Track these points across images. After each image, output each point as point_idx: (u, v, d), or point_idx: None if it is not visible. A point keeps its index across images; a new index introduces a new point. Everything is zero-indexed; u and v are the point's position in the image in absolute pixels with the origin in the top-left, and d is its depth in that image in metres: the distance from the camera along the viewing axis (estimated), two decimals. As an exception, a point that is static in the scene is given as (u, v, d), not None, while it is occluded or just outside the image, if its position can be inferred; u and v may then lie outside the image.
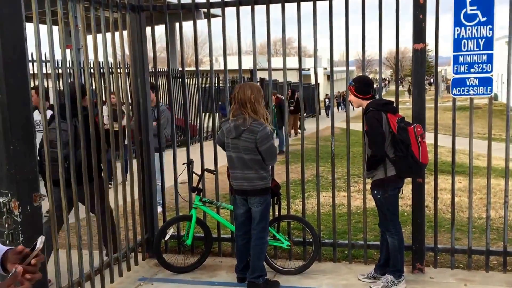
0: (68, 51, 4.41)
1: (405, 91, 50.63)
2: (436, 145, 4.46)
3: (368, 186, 4.75)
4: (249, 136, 3.94)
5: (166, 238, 4.76)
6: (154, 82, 5.47)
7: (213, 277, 4.55)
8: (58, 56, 4.68)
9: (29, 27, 3.45)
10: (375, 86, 4.31)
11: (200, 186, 4.79)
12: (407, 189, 4.46)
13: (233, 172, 4.13)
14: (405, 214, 6.22)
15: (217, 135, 4.33)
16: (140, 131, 4.90)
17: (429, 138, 4.18)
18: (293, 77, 31.11)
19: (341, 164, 10.29)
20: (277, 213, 4.66)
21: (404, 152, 3.89)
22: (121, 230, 4.47)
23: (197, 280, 4.49)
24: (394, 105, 4.14)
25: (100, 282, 4.13)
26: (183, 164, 5.01)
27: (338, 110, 26.16)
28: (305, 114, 22.38)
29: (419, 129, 3.94)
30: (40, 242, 1.35)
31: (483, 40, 4.10)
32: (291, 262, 4.79)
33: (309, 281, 4.37)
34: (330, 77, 4.89)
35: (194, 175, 4.92)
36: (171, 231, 4.80)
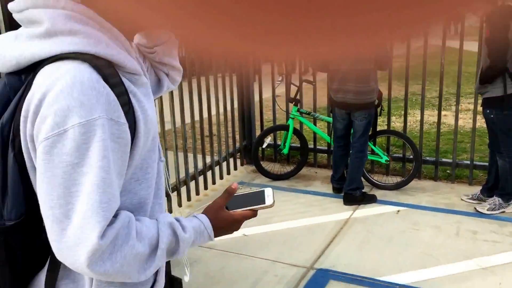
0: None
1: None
2: None
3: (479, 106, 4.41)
4: None
5: (264, 146, 4.84)
6: None
7: (308, 186, 4.60)
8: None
9: None
10: None
11: (297, 97, 4.73)
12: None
13: (339, 86, 3.99)
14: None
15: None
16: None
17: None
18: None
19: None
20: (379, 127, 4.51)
21: None
22: (221, 136, 4.60)
23: (292, 187, 4.58)
24: None
25: (203, 183, 4.35)
26: (281, 74, 4.94)
27: None
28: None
29: None
30: (268, 196, 1.14)
31: None
32: (388, 177, 4.70)
33: (407, 197, 4.28)
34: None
35: (292, 86, 4.85)
36: (268, 140, 4.87)
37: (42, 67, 0.91)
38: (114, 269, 0.90)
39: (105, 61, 0.91)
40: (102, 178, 0.87)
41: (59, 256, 0.90)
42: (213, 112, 4.54)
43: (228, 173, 4.76)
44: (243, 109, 5.03)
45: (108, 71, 0.91)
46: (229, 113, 4.72)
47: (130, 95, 0.94)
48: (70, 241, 0.87)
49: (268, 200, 1.13)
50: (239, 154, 5.04)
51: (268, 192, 1.15)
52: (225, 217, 1.10)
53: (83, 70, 0.88)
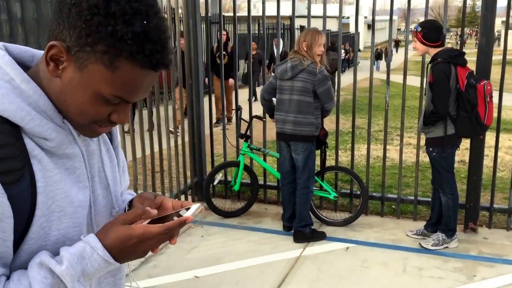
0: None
1: (448, 43, 48.26)
2: (500, 102, 4.23)
3: (422, 141, 4.60)
4: (307, 76, 3.88)
5: (215, 183, 4.80)
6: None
7: (259, 223, 4.59)
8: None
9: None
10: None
11: (248, 133, 4.75)
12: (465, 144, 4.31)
13: (280, 115, 4.05)
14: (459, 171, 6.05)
15: (266, 85, 4.23)
16: (191, 75, 4.83)
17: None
18: (333, 25, 30.14)
19: (382, 116, 10.04)
20: (327, 163, 4.59)
21: (469, 113, 3.66)
22: (172, 173, 4.52)
23: (243, 225, 4.54)
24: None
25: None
26: (232, 110, 4.96)
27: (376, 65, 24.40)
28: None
29: (488, 87, 3.67)
30: (193, 210, 0.93)
31: None
32: (337, 213, 4.77)
33: (355, 234, 4.35)
34: (371, 26, 4.67)
35: (242, 121, 4.87)
36: (219, 177, 4.83)
37: None
38: None
39: None
40: None
41: None
42: (164, 146, 4.47)
43: (178, 211, 4.66)
44: (193, 145, 4.97)
45: None
46: (180, 147, 4.66)
47: (33, 161, 0.82)
48: None
49: (186, 214, 0.91)
50: (190, 191, 4.96)
51: (194, 207, 0.94)
52: (118, 233, 0.84)
53: None
